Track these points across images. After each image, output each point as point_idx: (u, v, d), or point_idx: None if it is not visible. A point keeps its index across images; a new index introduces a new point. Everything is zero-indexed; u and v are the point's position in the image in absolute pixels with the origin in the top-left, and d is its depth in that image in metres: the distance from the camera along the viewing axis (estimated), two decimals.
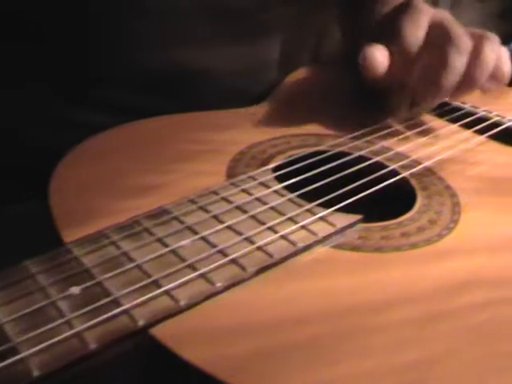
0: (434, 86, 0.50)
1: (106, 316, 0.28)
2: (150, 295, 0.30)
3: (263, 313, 0.31)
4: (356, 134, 0.51)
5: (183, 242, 0.34)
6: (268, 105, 0.57)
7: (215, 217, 0.36)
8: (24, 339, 0.27)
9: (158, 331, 0.28)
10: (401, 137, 0.51)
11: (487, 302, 0.33)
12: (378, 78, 0.50)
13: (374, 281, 0.34)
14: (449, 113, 0.57)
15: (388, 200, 0.42)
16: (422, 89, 0.52)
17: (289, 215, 0.37)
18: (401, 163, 0.47)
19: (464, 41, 0.50)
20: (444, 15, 0.53)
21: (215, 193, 0.39)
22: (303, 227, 0.36)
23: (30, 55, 0.53)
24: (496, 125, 0.55)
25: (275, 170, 0.44)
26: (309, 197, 0.40)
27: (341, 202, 0.39)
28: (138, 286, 0.30)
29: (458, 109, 0.59)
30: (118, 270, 0.31)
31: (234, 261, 0.33)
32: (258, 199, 0.39)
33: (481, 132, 0.54)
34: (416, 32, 0.51)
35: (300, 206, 0.38)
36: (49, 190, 0.38)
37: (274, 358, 0.28)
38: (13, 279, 0.30)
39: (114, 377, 0.29)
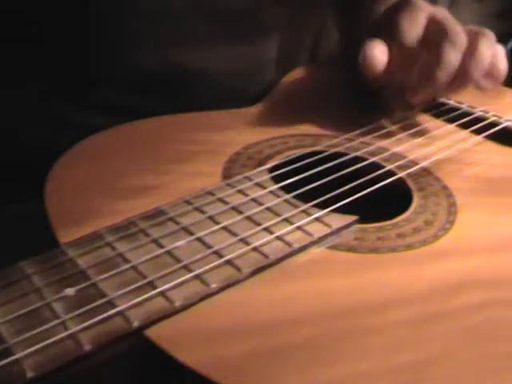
0: (428, 81, 0.50)
1: (100, 317, 0.28)
2: (145, 296, 0.30)
3: (259, 314, 0.30)
4: (353, 134, 0.51)
5: (179, 243, 0.34)
6: (265, 105, 0.57)
7: (211, 217, 0.36)
8: (19, 340, 0.27)
9: (152, 332, 0.28)
10: (397, 137, 0.51)
11: (484, 302, 0.33)
12: (377, 74, 0.50)
13: (369, 282, 0.34)
14: (446, 113, 0.57)
15: (385, 200, 0.42)
16: (417, 84, 0.52)
17: (284, 216, 0.37)
18: (397, 163, 0.47)
19: (460, 37, 0.50)
20: (441, 12, 0.53)
21: (211, 193, 0.39)
22: (299, 228, 0.36)
23: (28, 55, 0.53)
24: (493, 125, 0.55)
25: (272, 170, 0.44)
26: (305, 197, 0.40)
27: (337, 203, 0.39)
28: (133, 287, 0.30)
29: (455, 109, 0.58)
30: (113, 271, 0.31)
31: (229, 262, 0.33)
32: (253, 200, 0.39)
33: (478, 132, 0.54)
34: (413, 28, 0.51)
35: (296, 206, 0.38)
36: (45, 190, 0.38)
37: (270, 360, 0.28)
38: (8, 280, 0.30)
39: (109, 378, 0.29)
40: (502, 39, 0.56)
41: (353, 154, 0.47)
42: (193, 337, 0.29)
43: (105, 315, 0.28)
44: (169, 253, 0.33)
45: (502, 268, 0.37)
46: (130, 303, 0.29)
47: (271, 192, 0.40)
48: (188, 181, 0.41)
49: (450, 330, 0.31)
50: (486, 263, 0.37)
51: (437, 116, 0.57)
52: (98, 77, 0.54)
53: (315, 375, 0.27)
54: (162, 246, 0.33)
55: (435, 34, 0.51)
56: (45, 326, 0.27)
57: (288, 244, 0.35)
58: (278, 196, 0.39)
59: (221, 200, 0.38)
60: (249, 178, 0.41)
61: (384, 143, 0.50)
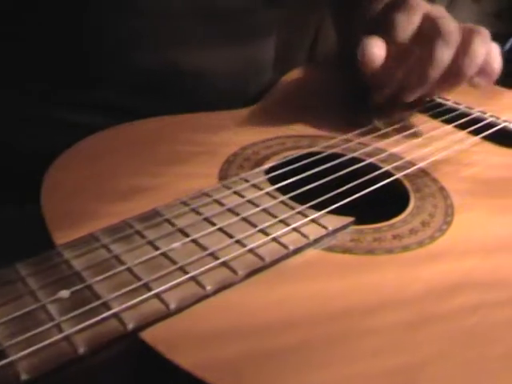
0: (420, 79, 0.50)
1: (95, 319, 0.28)
2: (140, 298, 0.30)
3: (254, 316, 0.30)
4: (350, 135, 0.51)
5: (174, 245, 0.34)
6: (262, 106, 0.57)
7: (207, 219, 0.36)
8: (13, 343, 0.27)
9: (147, 334, 0.28)
10: (395, 138, 0.51)
11: (479, 304, 0.33)
12: (375, 70, 0.50)
13: (365, 283, 0.34)
14: (443, 114, 0.57)
15: (382, 201, 0.42)
16: (410, 82, 0.51)
17: (280, 217, 0.37)
18: (394, 164, 0.47)
19: (453, 35, 0.50)
20: (437, 10, 0.53)
21: (207, 195, 0.39)
22: (295, 229, 0.36)
23: (27, 55, 0.53)
24: (490, 125, 0.55)
25: (268, 171, 0.44)
26: (302, 198, 0.40)
27: (334, 204, 0.39)
28: (128, 289, 0.30)
29: (453, 109, 0.58)
30: (109, 273, 0.31)
31: (224, 264, 0.33)
32: (250, 201, 0.39)
33: (475, 133, 0.54)
34: (407, 26, 0.51)
35: (292, 208, 0.38)
36: (41, 191, 0.38)
37: (265, 362, 0.28)
38: (3, 282, 0.30)
39: (104, 380, 0.29)
40: (499, 39, 0.56)
41: (350, 155, 0.47)
42: (188, 339, 0.29)
43: (99, 317, 0.28)
44: (164, 255, 0.33)
45: (498, 269, 0.37)
46: (124, 305, 0.29)
47: (268, 193, 0.40)
48: (185, 182, 0.41)
49: (445, 331, 0.31)
50: (483, 264, 0.37)
51: (434, 117, 0.57)
52: (96, 77, 0.54)
53: (310, 377, 0.27)
54: (157, 248, 0.33)
55: (429, 32, 0.51)
56: (39, 329, 0.27)
57: (284, 246, 0.35)
58: (275, 197, 0.39)
59: (217, 201, 0.38)
60: (245, 180, 0.41)
61: (381, 144, 0.50)
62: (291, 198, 0.40)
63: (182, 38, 0.54)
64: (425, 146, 0.50)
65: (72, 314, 0.28)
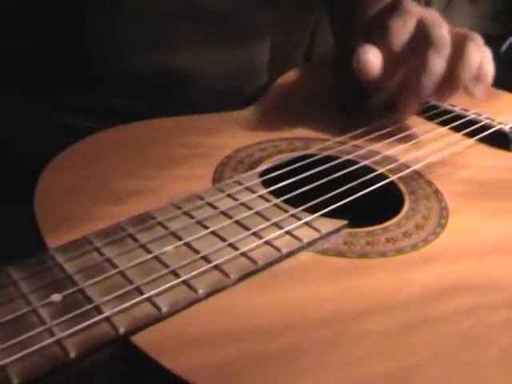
0: (413, 88, 0.50)
1: (87, 323, 0.28)
2: (132, 302, 0.30)
3: (246, 319, 0.30)
4: (344, 137, 0.51)
5: (166, 248, 0.34)
6: (257, 108, 0.56)
7: (199, 222, 0.36)
8: (4, 346, 0.27)
9: (139, 339, 0.28)
10: (389, 140, 0.51)
11: (474, 307, 0.33)
12: (372, 78, 0.50)
13: (358, 287, 0.34)
14: (438, 116, 0.57)
15: (376, 204, 0.42)
16: (402, 91, 0.51)
17: (274, 220, 0.37)
18: (389, 167, 0.47)
19: (444, 43, 0.50)
20: (431, 16, 0.53)
21: (200, 198, 0.39)
22: (288, 233, 0.36)
23: (19, 57, 0.53)
24: (486, 128, 0.55)
25: (262, 174, 0.44)
26: (296, 201, 0.40)
27: (328, 207, 0.39)
28: (120, 292, 0.30)
29: (448, 111, 0.58)
30: (101, 277, 0.31)
31: (217, 267, 0.32)
32: (243, 204, 0.38)
33: (470, 135, 0.54)
34: (401, 33, 0.51)
35: (285, 211, 0.38)
36: (34, 194, 0.38)
37: (257, 365, 0.28)
38: None
39: (95, 383, 0.29)
40: (496, 41, 0.56)
41: (344, 158, 0.47)
42: (179, 343, 0.29)
43: (91, 321, 0.28)
44: (157, 258, 0.33)
45: (492, 272, 0.37)
46: (116, 309, 0.29)
47: (261, 196, 0.40)
48: (178, 184, 0.41)
49: (439, 334, 0.31)
50: (477, 267, 0.37)
51: (429, 119, 0.57)
52: (96, 77, 0.54)
53: (303, 381, 0.27)
54: (150, 251, 0.33)
55: (422, 39, 0.51)
56: (31, 333, 0.27)
57: (277, 249, 0.35)
58: (268, 200, 0.39)
59: (210, 204, 0.38)
60: (239, 182, 0.41)
61: (376, 146, 0.50)
62: (285, 201, 0.40)
63: (176, 41, 0.54)
64: (420, 148, 0.50)
65: (64, 318, 0.28)
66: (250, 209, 0.38)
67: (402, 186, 0.45)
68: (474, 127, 0.55)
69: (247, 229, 0.36)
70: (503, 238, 0.40)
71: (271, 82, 0.62)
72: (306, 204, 0.39)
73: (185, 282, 0.31)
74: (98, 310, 0.29)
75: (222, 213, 0.37)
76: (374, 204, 0.42)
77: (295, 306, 0.32)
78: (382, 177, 0.46)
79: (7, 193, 0.49)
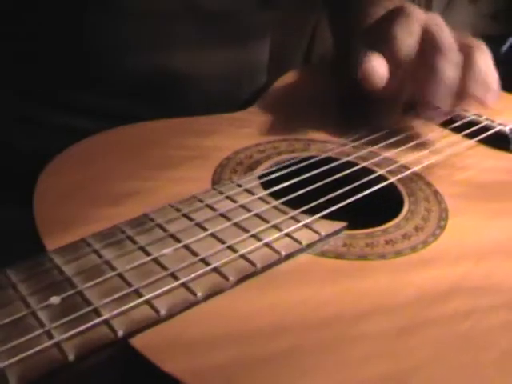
0: (428, 100, 0.49)
1: (85, 326, 0.28)
2: (131, 305, 0.30)
3: (245, 321, 0.30)
4: (344, 138, 0.51)
5: (165, 251, 0.33)
6: (256, 109, 0.56)
7: (198, 224, 0.36)
8: (3, 349, 0.27)
9: (137, 341, 0.28)
10: (389, 142, 0.51)
11: (473, 308, 0.33)
12: (377, 89, 0.50)
13: (358, 289, 0.34)
14: None
15: (376, 206, 0.42)
16: (419, 102, 0.51)
17: (273, 223, 0.37)
18: (388, 168, 0.47)
19: (452, 50, 0.50)
20: (436, 21, 0.52)
21: (199, 200, 0.39)
22: (287, 235, 0.36)
23: (25, 56, 0.53)
24: (486, 129, 0.55)
25: (261, 176, 0.44)
26: (296, 203, 0.40)
27: (328, 208, 0.39)
28: (118, 295, 0.30)
29: None
30: (99, 279, 0.31)
31: (215, 269, 0.32)
32: (242, 206, 0.38)
33: (470, 136, 0.54)
34: (408, 40, 0.50)
35: (285, 213, 0.38)
36: (33, 196, 0.38)
37: (256, 367, 0.28)
38: None
39: None
40: (496, 41, 0.56)
41: (344, 159, 0.47)
42: (178, 345, 0.29)
43: (90, 324, 0.28)
44: (155, 260, 0.33)
45: (491, 274, 0.36)
46: (115, 312, 0.29)
47: (260, 198, 0.40)
48: (177, 186, 0.41)
49: (439, 336, 0.31)
50: (476, 269, 0.37)
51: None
52: (89, 81, 0.54)
53: (303, 382, 0.27)
54: (148, 254, 0.33)
55: (428, 47, 0.50)
56: (30, 335, 0.27)
57: (276, 251, 0.34)
58: (267, 202, 0.39)
59: (209, 206, 0.38)
60: (238, 184, 0.41)
61: (375, 148, 0.50)
62: (284, 203, 0.40)
63: (174, 41, 0.54)
64: (419, 150, 0.50)
65: (62, 321, 0.28)
66: (249, 211, 0.38)
67: (401, 188, 0.45)
68: (474, 128, 0.55)
69: (246, 231, 0.36)
70: (502, 239, 0.40)
71: (270, 82, 0.62)
72: (305, 206, 0.39)
73: (183, 285, 0.31)
74: (96, 312, 0.29)
75: (221, 215, 0.37)
76: (373, 205, 0.42)
77: (294, 308, 0.32)
78: (382, 178, 0.45)
79: (7, 193, 0.49)
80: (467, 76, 0.49)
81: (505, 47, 0.94)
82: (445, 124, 0.56)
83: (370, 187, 0.43)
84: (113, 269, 0.32)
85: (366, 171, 0.46)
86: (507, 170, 0.50)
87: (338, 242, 0.37)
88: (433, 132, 0.54)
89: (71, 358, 0.27)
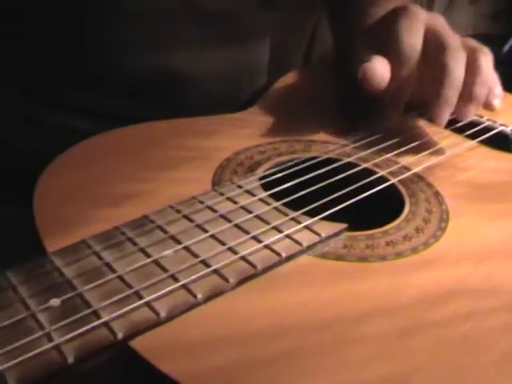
0: (441, 100, 0.49)
1: (85, 328, 0.28)
2: (131, 307, 0.29)
3: (246, 323, 0.30)
4: (345, 139, 0.51)
5: (166, 252, 0.33)
6: (256, 110, 0.56)
7: (199, 226, 0.36)
8: (2, 352, 0.26)
9: (137, 343, 0.28)
10: (390, 142, 0.51)
11: (474, 310, 0.33)
12: (379, 90, 0.50)
13: (358, 290, 0.34)
14: None
15: (377, 207, 0.42)
16: (430, 103, 0.50)
17: (273, 224, 0.37)
18: (389, 169, 0.47)
19: (459, 49, 0.49)
20: (439, 21, 0.52)
21: (200, 201, 0.39)
22: (288, 236, 0.36)
23: (25, 56, 0.53)
24: (487, 129, 0.55)
25: (262, 177, 0.44)
26: (297, 204, 0.40)
27: (328, 210, 0.39)
28: (118, 297, 0.30)
29: None
30: (100, 281, 0.31)
31: (216, 271, 0.32)
32: (243, 208, 0.38)
33: (472, 137, 0.54)
34: (413, 40, 0.50)
35: (285, 214, 0.38)
36: (33, 197, 0.38)
37: (257, 369, 0.28)
38: None
39: None
40: (496, 40, 0.56)
41: (345, 160, 0.47)
42: (178, 347, 0.29)
43: (89, 326, 0.28)
44: (156, 262, 0.33)
45: (492, 275, 0.36)
46: (115, 314, 0.29)
47: (261, 199, 0.40)
48: (178, 187, 0.41)
49: (439, 338, 0.31)
50: (477, 271, 0.37)
51: (431, 121, 0.57)
52: (89, 81, 0.54)
53: None
54: (149, 255, 0.33)
55: (433, 47, 0.50)
56: (29, 338, 0.27)
57: (276, 253, 0.34)
58: (268, 203, 0.39)
59: (210, 208, 0.38)
60: (238, 185, 0.41)
61: (376, 149, 0.50)
62: (285, 204, 0.40)
63: (174, 42, 0.54)
64: (420, 151, 0.50)
65: (62, 323, 0.28)
66: (249, 212, 0.38)
67: (402, 189, 0.45)
68: (476, 129, 0.55)
69: (247, 232, 0.36)
70: (503, 240, 0.40)
71: (270, 83, 0.61)
72: (306, 207, 0.39)
73: (184, 287, 0.31)
74: (96, 314, 0.29)
75: (222, 216, 0.37)
76: (374, 207, 0.42)
77: (295, 310, 0.32)
78: (383, 179, 0.45)
79: (7, 193, 0.49)
80: (473, 79, 0.49)
81: (506, 47, 0.94)
82: (446, 125, 0.55)
83: (371, 188, 0.43)
84: (113, 271, 0.32)
85: (367, 172, 0.46)
86: (508, 171, 0.50)
87: (339, 243, 0.37)
88: (434, 133, 0.54)
89: (71, 360, 0.27)
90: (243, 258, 0.34)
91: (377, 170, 0.47)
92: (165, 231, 0.35)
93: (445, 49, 0.49)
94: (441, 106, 0.49)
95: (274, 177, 0.44)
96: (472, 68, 0.49)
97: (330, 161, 0.47)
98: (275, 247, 0.35)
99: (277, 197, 0.41)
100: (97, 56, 0.53)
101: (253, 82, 0.62)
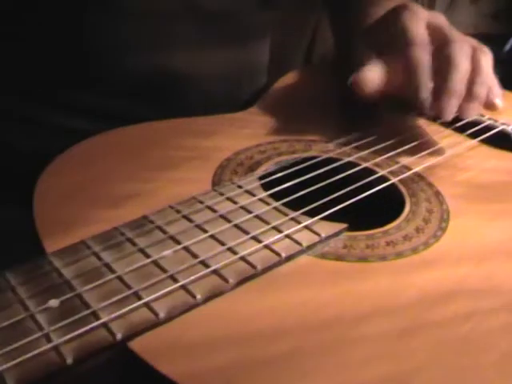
0: (449, 91, 0.48)
1: (84, 329, 0.28)
2: (130, 307, 0.29)
3: (245, 323, 0.30)
4: (345, 139, 0.51)
5: (165, 253, 0.33)
6: (256, 110, 0.56)
7: (198, 226, 0.36)
8: (1, 353, 0.26)
9: (136, 344, 0.28)
10: (391, 141, 0.51)
11: (474, 310, 0.33)
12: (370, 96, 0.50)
13: (358, 290, 0.33)
14: None
15: (378, 206, 0.42)
16: (438, 96, 0.49)
17: (273, 224, 0.37)
18: (390, 169, 0.47)
19: (464, 40, 0.49)
20: (439, 19, 0.52)
21: (199, 201, 0.39)
22: (287, 236, 0.36)
23: (25, 56, 0.53)
24: (488, 128, 0.55)
25: (262, 176, 0.44)
26: (297, 204, 0.40)
27: (329, 209, 0.39)
28: (117, 297, 0.30)
29: None
30: (99, 282, 0.31)
31: (215, 272, 0.32)
32: (242, 208, 0.38)
33: (473, 136, 0.54)
34: (420, 30, 0.50)
35: (285, 214, 0.38)
36: (33, 197, 0.38)
37: (257, 370, 0.28)
38: None
39: None
40: (497, 40, 0.56)
41: (345, 160, 0.47)
42: (177, 348, 0.29)
43: (88, 327, 0.28)
44: (155, 263, 0.33)
45: (492, 276, 0.36)
46: (113, 315, 0.29)
47: (261, 199, 0.40)
48: (177, 187, 0.41)
49: (439, 338, 0.31)
50: (477, 271, 0.36)
51: (432, 120, 0.57)
52: (89, 81, 0.54)
53: None
54: (148, 256, 0.33)
55: (437, 41, 0.50)
56: (28, 339, 0.27)
57: (276, 253, 0.34)
58: (268, 203, 0.39)
59: (209, 208, 0.38)
60: (238, 185, 0.41)
61: (377, 148, 0.49)
62: (285, 204, 0.39)
63: (174, 41, 0.54)
64: (421, 150, 0.50)
65: (61, 324, 0.28)
66: (249, 212, 0.38)
67: (402, 189, 0.44)
68: (477, 128, 0.55)
69: (246, 233, 0.36)
70: (503, 240, 0.40)
71: (271, 83, 0.61)
72: (306, 207, 0.39)
73: (183, 287, 0.31)
74: (95, 315, 0.29)
75: (222, 216, 0.37)
76: (375, 206, 0.42)
77: (295, 310, 0.31)
78: (383, 179, 0.45)
79: (7, 193, 0.49)
80: (473, 78, 0.49)
81: (508, 46, 0.94)
82: (447, 124, 0.55)
83: (372, 188, 0.43)
84: (112, 271, 0.32)
85: (368, 172, 0.46)
86: (509, 171, 0.50)
87: (339, 243, 0.37)
88: (434, 132, 0.54)
89: (69, 361, 0.27)
90: (243, 259, 0.34)
91: (377, 169, 0.47)
92: (164, 231, 0.35)
93: (450, 42, 0.49)
94: (449, 99, 0.48)
95: (274, 176, 0.44)
96: (473, 67, 0.49)
97: (330, 160, 0.47)
98: (275, 247, 0.35)
99: (277, 197, 0.40)
100: (97, 56, 0.53)
101: (253, 82, 0.62)
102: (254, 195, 0.40)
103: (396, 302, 0.33)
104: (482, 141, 0.54)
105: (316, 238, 0.36)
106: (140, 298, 0.30)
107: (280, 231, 0.36)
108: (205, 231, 0.36)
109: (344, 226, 0.38)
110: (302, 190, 0.41)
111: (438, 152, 0.50)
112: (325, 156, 0.47)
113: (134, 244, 0.34)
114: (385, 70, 0.50)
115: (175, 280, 0.31)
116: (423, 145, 0.51)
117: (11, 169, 0.53)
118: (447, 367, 0.29)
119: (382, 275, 0.35)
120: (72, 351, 0.27)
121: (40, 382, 0.26)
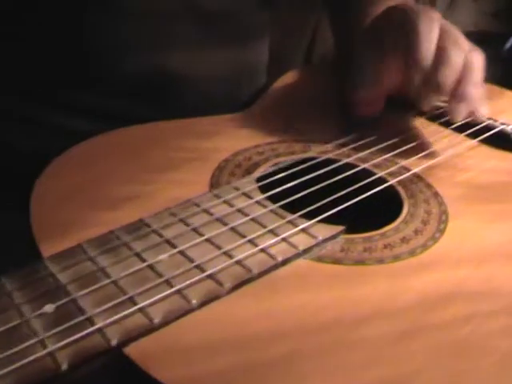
0: (436, 84, 0.49)
1: (79, 335, 0.28)
2: (125, 313, 0.29)
3: (242, 327, 0.30)
4: (344, 140, 0.50)
5: (161, 257, 0.33)
6: (255, 110, 0.56)
7: (195, 230, 0.36)
8: None
9: (131, 350, 0.28)
10: (389, 142, 0.51)
11: (473, 313, 0.33)
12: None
13: (355, 295, 0.33)
14: (440, 116, 0.57)
15: (376, 208, 0.42)
16: (423, 91, 0.50)
17: (270, 227, 0.37)
18: (388, 170, 0.46)
19: (463, 40, 0.49)
20: (452, 30, 0.52)
21: (196, 204, 0.38)
22: (284, 240, 0.36)
23: (25, 56, 0.53)
24: (488, 128, 0.55)
25: (260, 178, 0.43)
26: (295, 205, 0.39)
27: (327, 211, 0.39)
28: (112, 303, 0.30)
29: None
30: (94, 287, 0.31)
31: (211, 276, 0.32)
32: (239, 210, 0.38)
33: (473, 136, 0.54)
34: (430, 45, 0.50)
35: (282, 217, 0.38)
36: (31, 200, 0.38)
37: (255, 373, 0.28)
38: None
39: None
40: (497, 38, 0.56)
41: (343, 161, 0.47)
42: (172, 353, 0.28)
43: (83, 333, 0.28)
44: (151, 267, 0.33)
45: (491, 278, 0.36)
46: (109, 320, 0.29)
47: (258, 202, 0.39)
48: (176, 189, 0.41)
49: (439, 341, 0.30)
50: (476, 273, 0.36)
51: (431, 120, 0.57)
52: (89, 81, 0.54)
53: None
54: (144, 260, 0.33)
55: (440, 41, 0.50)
56: (23, 345, 0.27)
57: (272, 257, 0.34)
58: (265, 206, 0.39)
59: (206, 211, 0.38)
60: (235, 188, 0.41)
61: (376, 149, 0.49)
62: (283, 206, 0.39)
63: (178, 41, 0.54)
64: (420, 150, 0.50)
65: (56, 330, 0.28)
66: (246, 215, 0.38)
67: (401, 190, 0.44)
68: (477, 128, 0.54)
69: (243, 236, 0.36)
70: (503, 242, 0.40)
71: (270, 83, 0.61)
72: (304, 209, 0.39)
73: (178, 292, 0.31)
74: (90, 321, 0.29)
75: (218, 219, 0.37)
76: (373, 208, 0.41)
77: (292, 313, 0.31)
78: (382, 180, 0.45)
79: (7, 193, 0.49)
80: (466, 81, 0.49)
81: (508, 44, 0.93)
82: (446, 124, 0.55)
83: (370, 189, 0.43)
84: (108, 276, 0.32)
85: (366, 173, 0.46)
86: (508, 171, 0.49)
87: (336, 246, 0.37)
88: (435, 132, 0.54)
89: (64, 367, 0.27)
90: (239, 263, 0.33)
91: (376, 170, 0.46)
92: (160, 235, 0.35)
93: (447, 36, 0.49)
94: (459, 102, 0.49)
95: (272, 178, 0.43)
96: (466, 70, 0.49)
97: (328, 161, 0.47)
98: (271, 251, 0.35)
99: (275, 199, 0.40)
100: (97, 56, 0.53)
101: (252, 82, 0.62)
102: (251, 198, 0.40)
103: (394, 305, 0.33)
104: (482, 141, 0.53)
105: (313, 241, 0.36)
106: (135, 303, 0.30)
107: (276, 234, 0.36)
108: (201, 235, 0.35)
109: (341, 228, 0.38)
110: (299, 192, 0.41)
111: (438, 152, 0.50)
112: (323, 157, 0.47)
113: (129, 248, 0.34)
114: (383, 75, 0.50)
115: (170, 285, 0.31)
116: (422, 145, 0.51)
117: (11, 169, 0.53)
118: (447, 370, 0.29)
119: (380, 278, 0.35)
120: (67, 357, 0.27)
121: None
